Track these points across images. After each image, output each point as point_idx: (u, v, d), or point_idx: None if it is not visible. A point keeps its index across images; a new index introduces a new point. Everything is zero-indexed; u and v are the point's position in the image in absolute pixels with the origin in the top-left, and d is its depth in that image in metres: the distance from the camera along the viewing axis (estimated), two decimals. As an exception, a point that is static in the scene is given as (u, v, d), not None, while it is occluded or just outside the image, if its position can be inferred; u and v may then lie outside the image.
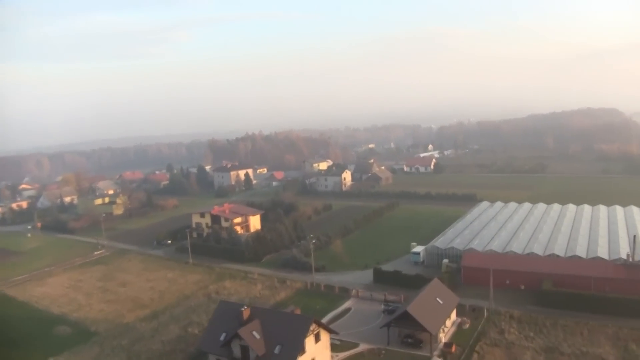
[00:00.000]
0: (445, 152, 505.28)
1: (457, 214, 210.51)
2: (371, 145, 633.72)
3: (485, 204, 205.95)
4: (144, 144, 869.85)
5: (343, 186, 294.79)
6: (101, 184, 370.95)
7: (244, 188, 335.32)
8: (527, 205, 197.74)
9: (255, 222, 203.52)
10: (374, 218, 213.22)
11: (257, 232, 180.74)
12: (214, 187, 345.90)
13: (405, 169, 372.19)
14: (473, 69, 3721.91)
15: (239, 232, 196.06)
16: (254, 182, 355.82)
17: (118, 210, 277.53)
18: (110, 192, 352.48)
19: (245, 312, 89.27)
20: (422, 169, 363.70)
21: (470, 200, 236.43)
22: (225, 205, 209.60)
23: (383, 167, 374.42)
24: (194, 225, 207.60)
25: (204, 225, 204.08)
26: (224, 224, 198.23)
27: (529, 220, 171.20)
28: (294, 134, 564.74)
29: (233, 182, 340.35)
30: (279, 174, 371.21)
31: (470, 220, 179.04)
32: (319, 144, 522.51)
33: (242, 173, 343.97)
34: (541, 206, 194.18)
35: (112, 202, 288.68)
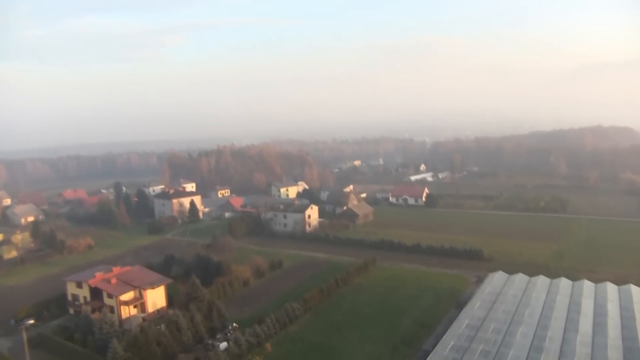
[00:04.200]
0: (440, 175, 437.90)
1: (457, 285, 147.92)
2: (357, 162, 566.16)
3: (500, 276, 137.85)
4: (114, 153, 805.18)
5: (307, 226, 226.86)
6: (19, 209, 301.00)
7: (187, 220, 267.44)
8: (565, 284, 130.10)
9: (156, 298, 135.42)
10: (335, 289, 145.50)
11: (136, 332, 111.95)
12: (155, 217, 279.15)
13: (391, 199, 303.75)
14: (469, 79, 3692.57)
15: (128, 314, 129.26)
16: (205, 210, 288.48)
17: (10, 253, 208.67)
18: (30, 219, 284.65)
19: None
20: (411, 201, 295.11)
21: (475, 259, 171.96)
22: (116, 269, 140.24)
23: (363, 195, 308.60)
24: (70, 298, 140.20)
25: (81, 299, 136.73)
26: (108, 301, 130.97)
27: (575, 325, 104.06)
28: (268, 148, 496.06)
29: (175, 213, 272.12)
30: (237, 201, 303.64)
31: (482, 315, 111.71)
32: (295, 161, 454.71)
33: (187, 201, 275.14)
34: (588, 287, 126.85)
35: (6, 241, 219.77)
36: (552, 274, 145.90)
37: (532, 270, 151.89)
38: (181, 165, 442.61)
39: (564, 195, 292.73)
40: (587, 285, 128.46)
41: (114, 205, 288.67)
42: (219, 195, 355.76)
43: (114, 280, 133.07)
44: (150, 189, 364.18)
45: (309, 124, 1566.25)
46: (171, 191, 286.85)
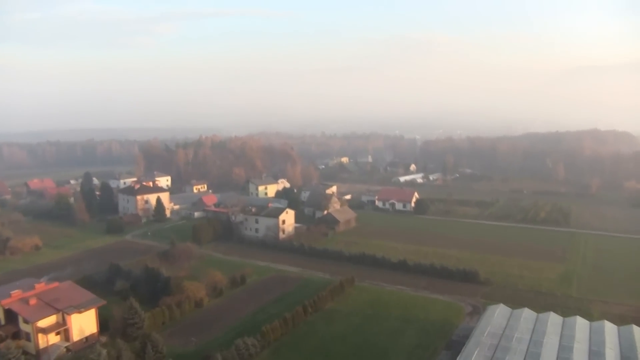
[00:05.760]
0: (431, 177, 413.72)
1: (449, 316, 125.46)
2: (344, 159, 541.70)
3: (502, 312, 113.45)
4: (96, 140, 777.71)
5: (281, 232, 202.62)
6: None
7: (152, 219, 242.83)
8: (582, 325, 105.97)
9: (84, 324, 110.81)
10: (303, 318, 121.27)
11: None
12: (119, 214, 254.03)
13: (378, 203, 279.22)
14: (462, 77, 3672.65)
15: (47, 344, 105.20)
16: (175, 208, 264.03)
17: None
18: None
19: None
20: (399, 206, 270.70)
21: (470, 282, 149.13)
22: (39, 286, 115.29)
23: (348, 197, 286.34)
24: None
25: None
26: (24, 326, 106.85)
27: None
28: (251, 141, 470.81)
29: (139, 210, 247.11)
30: (210, 199, 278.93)
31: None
32: (278, 156, 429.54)
33: (153, 198, 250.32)
34: (610, 331, 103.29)
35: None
36: (560, 305, 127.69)
37: (536, 298, 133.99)
38: (157, 156, 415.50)
39: (565, 205, 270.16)
40: (609, 329, 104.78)
41: (77, 198, 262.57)
42: (195, 191, 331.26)
43: (33, 301, 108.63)
44: (121, 181, 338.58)
45: (300, 117, 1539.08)
46: (137, 186, 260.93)
